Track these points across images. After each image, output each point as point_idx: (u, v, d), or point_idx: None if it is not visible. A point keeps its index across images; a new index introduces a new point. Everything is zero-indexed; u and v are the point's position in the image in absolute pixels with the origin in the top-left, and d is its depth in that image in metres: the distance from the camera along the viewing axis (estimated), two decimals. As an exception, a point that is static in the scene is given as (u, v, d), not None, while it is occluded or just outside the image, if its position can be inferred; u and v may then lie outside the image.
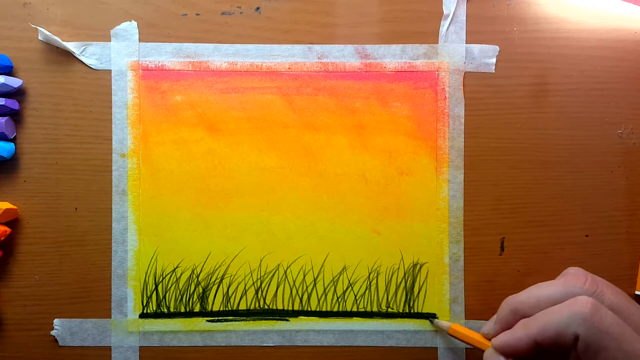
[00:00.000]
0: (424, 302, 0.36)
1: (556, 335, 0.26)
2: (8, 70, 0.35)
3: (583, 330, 0.25)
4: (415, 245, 0.36)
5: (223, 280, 0.36)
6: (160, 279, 0.35)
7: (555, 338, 0.26)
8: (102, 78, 0.36)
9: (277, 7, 0.36)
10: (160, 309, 0.36)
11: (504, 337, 0.28)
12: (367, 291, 0.36)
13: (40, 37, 0.35)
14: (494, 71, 0.36)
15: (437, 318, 0.35)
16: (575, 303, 0.26)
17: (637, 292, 0.35)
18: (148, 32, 0.36)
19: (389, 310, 0.36)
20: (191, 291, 0.36)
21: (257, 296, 0.36)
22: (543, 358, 0.27)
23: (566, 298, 0.27)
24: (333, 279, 0.36)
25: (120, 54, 0.36)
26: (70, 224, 0.35)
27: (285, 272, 0.36)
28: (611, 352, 0.25)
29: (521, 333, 0.27)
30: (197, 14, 0.36)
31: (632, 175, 0.36)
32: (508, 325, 0.29)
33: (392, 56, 0.36)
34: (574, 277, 0.28)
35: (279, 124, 0.36)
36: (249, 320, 0.36)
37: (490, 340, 0.29)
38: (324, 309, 0.36)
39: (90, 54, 0.35)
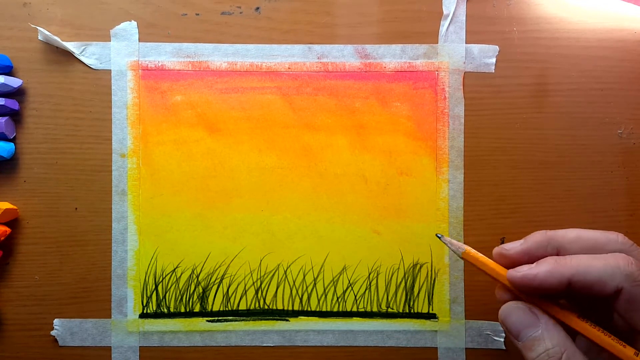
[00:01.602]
0: (424, 302, 0.36)
1: (597, 281, 0.25)
2: (8, 70, 0.35)
3: (629, 283, 0.25)
4: (415, 245, 0.36)
5: (223, 280, 0.36)
6: (160, 279, 0.35)
7: (594, 284, 0.25)
8: (102, 78, 0.36)
9: (277, 7, 0.36)
10: (160, 309, 0.36)
11: (528, 271, 0.26)
12: (367, 291, 0.36)
13: (40, 37, 0.35)
14: (493, 71, 0.36)
15: (463, 247, 0.30)
16: (622, 258, 0.25)
17: (637, 292, 0.35)
18: (148, 32, 0.36)
19: (389, 310, 0.36)
20: (191, 291, 0.36)
21: (257, 296, 0.36)
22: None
23: (608, 244, 0.26)
24: (333, 279, 0.36)
25: (120, 53, 0.36)
26: (70, 224, 0.35)
27: (285, 272, 0.36)
28: None
29: (554, 268, 0.25)
30: (197, 14, 0.36)
31: (632, 175, 0.36)
32: (537, 249, 0.27)
33: (392, 56, 0.36)
34: (621, 238, 0.27)
35: (279, 124, 0.36)
36: (249, 320, 0.36)
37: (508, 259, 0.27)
38: (324, 309, 0.36)
39: (90, 54, 0.35)
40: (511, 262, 0.28)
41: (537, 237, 0.28)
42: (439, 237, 0.30)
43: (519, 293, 0.27)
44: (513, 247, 0.28)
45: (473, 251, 0.29)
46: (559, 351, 0.25)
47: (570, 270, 0.25)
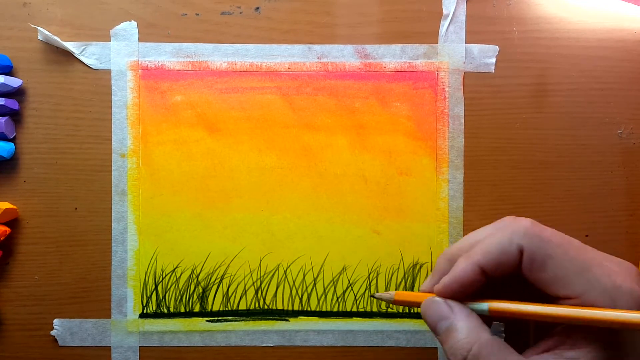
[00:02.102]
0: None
1: (500, 253, 0.25)
2: (8, 70, 0.35)
3: (526, 240, 0.25)
4: (415, 245, 0.36)
5: (223, 280, 0.36)
6: (160, 279, 0.35)
7: (500, 257, 0.25)
8: (102, 78, 0.36)
9: (276, 7, 0.36)
10: (160, 309, 0.36)
11: (446, 278, 0.26)
12: (367, 291, 0.36)
13: (40, 37, 0.35)
14: (493, 71, 0.36)
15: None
16: (514, 221, 0.26)
17: (637, 292, 0.35)
18: (148, 32, 0.36)
19: (389, 310, 0.36)
20: (191, 291, 0.36)
21: (257, 296, 0.36)
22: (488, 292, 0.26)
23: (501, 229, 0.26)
24: (333, 279, 0.36)
25: (120, 53, 0.36)
26: (70, 224, 0.35)
27: (285, 272, 0.36)
28: (557, 260, 0.24)
29: (464, 264, 0.26)
30: (197, 14, 0.36)
31: (632, 175, 0.36)
32: (444, 274, 0.27)
33: (391, 56, 0.36)
34: (505, 218, 0.27)
35: (279, 124, 0.36)
36: (249, 320, 0.36)
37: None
38: (323, 309, 0.36)
39: (90, 53, 0.35)
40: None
41: (440, 266, 0.28)
42: (372, 296, 0.32)
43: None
44: (426, 285, 0.28)
45: (401, 294, 0.29)
46: (470, 342, 0.25)
47: (477, 257, 0.25)
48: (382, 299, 0.30)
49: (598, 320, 0.23)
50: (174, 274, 0.36)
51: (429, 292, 0.28)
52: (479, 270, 0.25)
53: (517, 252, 0.25)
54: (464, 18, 0.36)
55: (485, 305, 0.26)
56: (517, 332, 0.29)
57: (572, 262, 0.24)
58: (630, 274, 0.25)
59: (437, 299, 0.27)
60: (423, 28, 0.36)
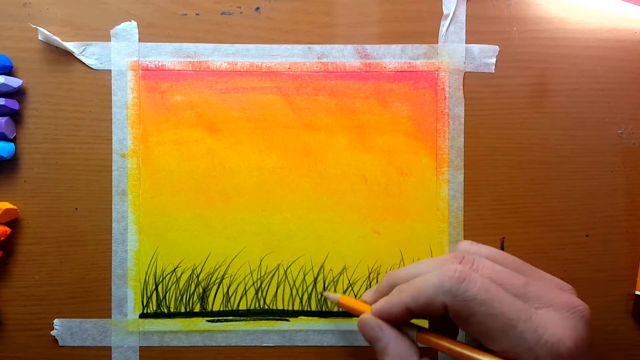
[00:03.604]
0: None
1: (426, 304, 0.26)
2: (8, 70, 0.35)
3: (449, 299, 0.25)
4: (415, 245, 0.36)
5: (223, 280, 0.36)
6: (160, 279, 0.35)
7: (425, 306, 0.26)
8: (102, 78, 0.36)
9: (277, 7, 0.36)
10: (160, 309, 0.36)
11: (381, 304, 0.28)
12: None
13: (40, 37, 0.35)
14: (494, 71, 0.36)
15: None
16: (443, 272, 0.26)
17: (637, 292, 0.35)
18: (148, 32, 0.36)
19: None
20: (191, 291, 0.36)
21: (257, 296, 0.36)
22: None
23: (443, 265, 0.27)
24: (333, 279, 0.36)
25: (120, 54, 0.36)
26: (70, 224, 0.35)
27: (285, 272, 0.36)
28: (480, 317, 0.25)
29: (395, 300, 0.28)
30: (197, 14, 0.36)
31: (632, 175, 0.36)
32: (385, 294, 0.29)
33: (392, 56, 0.36)
34: (452, 255, 0.28)
35: (279, 124, 0.36)
36: (249, 320, 0.36)
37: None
38: (324, 309, 0.36)
39: (90, 54, 0.35)
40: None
41: (383, 287, 0.30)
42: (321, 294, 0.35)
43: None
44: (366, 296, 0.31)
45: (345, 299, 0.32)
46: None
47: (406, 299, 0.27)
48: (328, 298, 0.34)
49: None
50: (174, 274, 0.36)
51: (369, 303, 0.30)
52: (406, 310, 0.27)
53: (441, 306, 0.26)
54: (464, 18, 0.36)
55: (413, 332, 0.28)
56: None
57: (496, 320, 0.25)
58: (569, 322, 0.25)
59: (371, 320, 0.29)
60: (423, 28, 0.36)
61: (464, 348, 0.27)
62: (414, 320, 0.29)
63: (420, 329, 0.29)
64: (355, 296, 0.36)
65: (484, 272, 0.26)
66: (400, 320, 0.28)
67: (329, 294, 0.34)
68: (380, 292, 0.30)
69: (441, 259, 0.28)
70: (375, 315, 0.29)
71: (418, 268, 0.28)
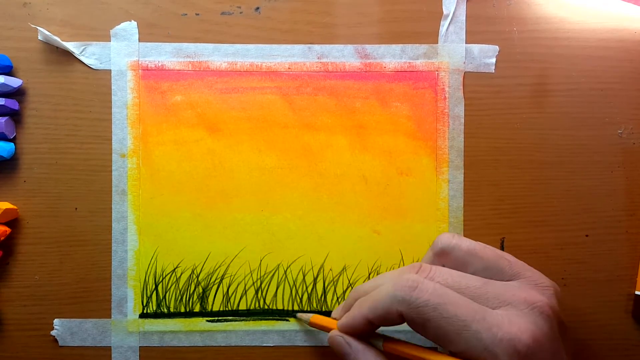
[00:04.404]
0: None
1: (383, 314, 0.27)
2: (8, 70, 0.35)
3: (404, 307, 0.26)
4: (415, 245, 0.36)
5: (223, 280, 0.36)
6: (160, 279, 0.35)
7: (383, 316, 0.27)
8: (102, 78, 0.36)
9: (277, 7, 0.36)
10: (160, 309, 0.36)
11: (344, 318, 0.29)
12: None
13: (40, 37, 0.35)
14: (493, 71, 0.36)
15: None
16: (397, 282, 0.27)
17: (637, 292, 0.35)
18: (148, 32, 0.36)
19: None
20: (191, 291, 0.36)
21: (257, 296, 0.36)
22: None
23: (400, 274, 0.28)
24: (333, 279, 0.36)
25: (120, 53, 0.36)
26: (70, 224, 0.35)
27: (285, 272, 0.36)
28: (434, 322, 0.25)
29: (356, 313, 0.28)
30: (197, 14, 0.36)
31: (632, 175, 0.36)
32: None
33: (392, 56, 0.36)
34: (410, 266, 0.29)
35: (279, 124, 0.36)
36: (249, 320, 0.36)
37: None
38: (324, 309, 0.36)
39: (90, 54, 0.35)
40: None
41: (349, 301, 0.31)
42: (294, 316, 0.35)
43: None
44: (335, 313, 0.32)
45: (316, 319, 0.33)
46: None
47: (366, 310, 0.28)
48: (301, 320, 0.35)
49: None
50: (174, 274, 0.36)
51: (337, 320, 0.31)
52: (367, 322, 0.28)
53: (397, 315, 0.26)
54: (464, 18, 0.36)
55: (380, 343, 0.29)
56: None
57: (450, 322, 0.25)
58: (527, 318, 0.25)
59: (337, 337, 0.30)
60: (423, 28, 0.36)
61: (429, 354, 0.27)
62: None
63: (386, 338, 0.29)
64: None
65: (440, 279, 0.27)
66: (365, 332, 0.29)
67: (302, 315, 0.35)
68: (346, 308, 0.31)
69: (399, 270, 0.29)
70: (341, 331, 0.30)
71: (378, 281, 0.29)
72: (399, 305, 0.26)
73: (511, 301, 0.26)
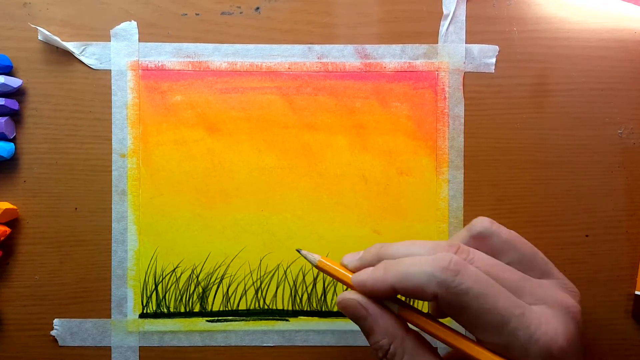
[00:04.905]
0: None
1: (415, 289, 0.25)
2: (8, 70, 0.35)
3: (442, 290, 0.24)
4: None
5: (223, 280, 0.36)
6: (160, 279, 0.35)
7: (414, 292, 0.25)
8: (102, 78, 0.36)
9: (277, 7, 0.36)
10: (160, 309, 0.36)
11: (364, 275, 0.27)
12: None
13: (40, 37, 0.35)
14: (493, 71, 0.36)
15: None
16: (437, 261, 0.25)
17: (637, 292, 0.35)
18: (148, 32, 0.36)
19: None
20: (191, 291, 0.36)
21: (257, 296, 0.36)
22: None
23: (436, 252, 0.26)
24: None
25: (120, 54, 0.36)
26: (70, 224, 0.35)
27: (285, 272, 0.36)
28: (473, 311, 0.24)
29: (380, 276, 0.26)
30: (197, 14, 0.36)
31: (632, 175, 0.36)
32: (371, 266, 0.28)
33: (392, 56, 0.36)
34: (447, 244, 0.27)
35: (279, 124, 0.36)
36: (249, 320, 0.36)
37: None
38: (324, 309, 0.36)
39: (90, 54, 0.35)
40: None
41: (370, 257, 0.28)
42: (298, 251, 0.31)
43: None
44: (351, 261, 0.29)
45: (324, 262, 0.29)
46: (387, 342, 0.26)
47: (393, 278, 0.25)
48: (306, 258, 0.30)
49: None
50: (174, 274, 0.36)
51: (350, 270, 0.28)
52: (391, 289, 0.26)
53: (432, 295, 0.25)
54: (464, 18, 0.36)
55: (395, 307, 0.27)
56: None
57: (489, 314, 0.24)
58: (562, 320, 0.25)
59: (352, 299, 0.27)
60: (423, 28, 0.36)
61: (453, 337, 0.26)
62: None
63: (402, 304, 0.27)
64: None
65: (479, 264, 0.26)
66: (383, 297, 0.27)
67: (307, 253, 0.30)
68: (364, 262, 0.28)
69: (435, 244, 0.27)
70: (356, 286, 0.27)
71: (411, 248, 0.27)
72: (438, 286, 0.24)
73: (547, 301, 0.25)
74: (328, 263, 0.29)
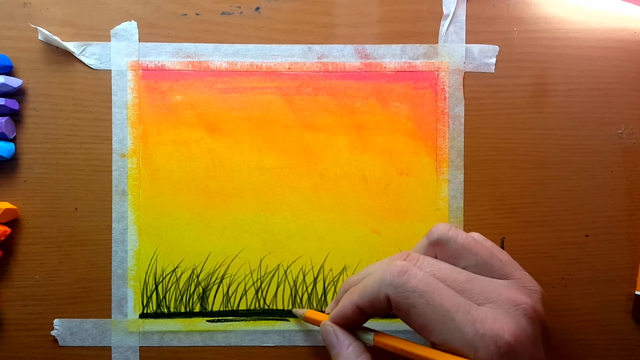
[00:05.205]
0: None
1: (371, 299, 0.27)
2: (8, 70, 0.35)
3: (391, 291, 0.26)
4: (415, 245, 0.36)
5: (223, 280, 0.36)
6: (160, 279, 0.35)
7: (372, 302, 0.27)
8: (102, 78, 0.36)
9: (277, 7, 0.36)
10: (160, 309, 0.36)
11: (335, 309, 0.30)
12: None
13: (40, 37, 0.35)
14: (494, 71, 0.36)
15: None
16: (386, 267, 0.27)
17: (637, 292, 0.35)
18: (148, 32, 0.36)
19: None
20: (191, 291, 0.36)
21: (257, 296, 0.36)
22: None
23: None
24: (333, 279, 0.36)
25: (120, 54, 0.36)
26: (70, 224, 0.35)
27: (285, 272, 0.36)
28: (420, 308, 0.25)
29: (346, 301, 0.29)
30: (197, 14, 0.36)
31: (632, 175, 0.36)
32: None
33: (392, 56, 0.36)
34: (398, 254, 0.29)
35: (279, 124, 0.36)
36: (249, 320, 0.36)
37: None
38: (324, 309, 0.36)
39: (90, 54, 0.35)
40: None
41: (339, 293, 0.31)
42: (291, 311, 0.35)
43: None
44: (329, 307, 0.33)
45: (312, 312, 0.33)
46: None
47: (356, 297, 0.28)
48: (297, 315, 0.35)
49: None
50: (174, 274, 0.36)
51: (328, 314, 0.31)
52: (357, 309, 0.28)
53: (385, 300, 0.27)
54: (464, 18, 0.36)
55: (370, 336, 0.29)
56: None
57: (435, 311, 0.25)
58: (510, 317, 0.25)
59: (328, 326, 0.30)
60: (423, 28, 0.36)
61: (418, 348, 0.27)
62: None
63: (377, 332, 0.29)
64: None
65: (427, 268, 0.28)
66: (355, 323, 0.29)
67: (297, 311, 0.35)
68: (337, 301, 0.31)
69: (388, 258, 0.29)
70: (331, 320, 0.30)
71: (367, 270, 0.30)
72: (387, 288, 0.26)
73: (496, 299, 0.26)
74: (313, 314, 0.33)
